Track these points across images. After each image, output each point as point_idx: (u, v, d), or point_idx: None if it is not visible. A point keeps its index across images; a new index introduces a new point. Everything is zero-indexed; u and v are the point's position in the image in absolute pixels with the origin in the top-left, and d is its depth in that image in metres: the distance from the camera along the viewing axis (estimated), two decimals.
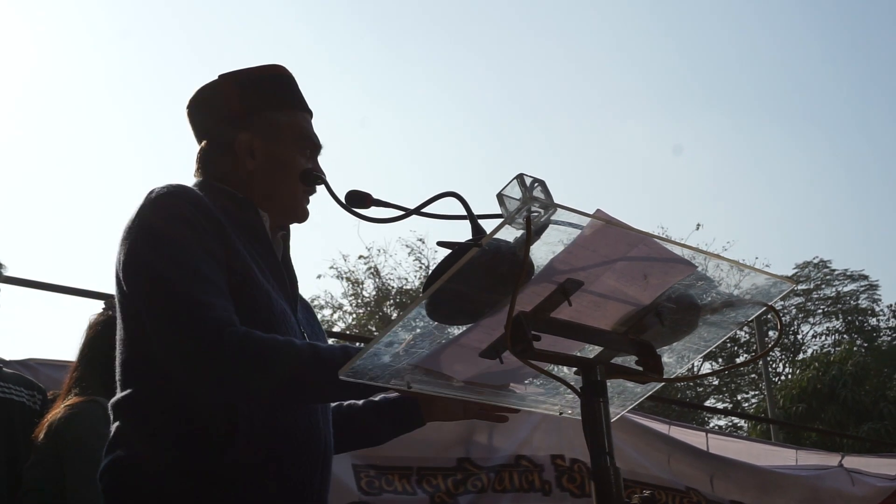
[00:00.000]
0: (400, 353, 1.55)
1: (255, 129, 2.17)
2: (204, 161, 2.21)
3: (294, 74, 2.29)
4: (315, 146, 2.25)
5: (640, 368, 1.61)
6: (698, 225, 31.67)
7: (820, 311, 31.18)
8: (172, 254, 1.90)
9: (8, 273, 3.61)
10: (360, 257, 27.90)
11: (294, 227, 2.27)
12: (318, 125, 2.29)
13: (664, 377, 1.63)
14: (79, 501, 3.08)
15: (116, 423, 1.97)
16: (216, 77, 2.24)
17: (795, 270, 30.76)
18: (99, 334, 3.35)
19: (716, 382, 30.16)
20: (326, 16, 44.33)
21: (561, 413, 1.81)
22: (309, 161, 2.21)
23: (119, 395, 1.99)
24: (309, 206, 2.21)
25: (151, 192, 1.99)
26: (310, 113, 2.28)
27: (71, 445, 3.14)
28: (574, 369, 1.60)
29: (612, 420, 1.60)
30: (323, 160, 2.26)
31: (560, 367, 1.65)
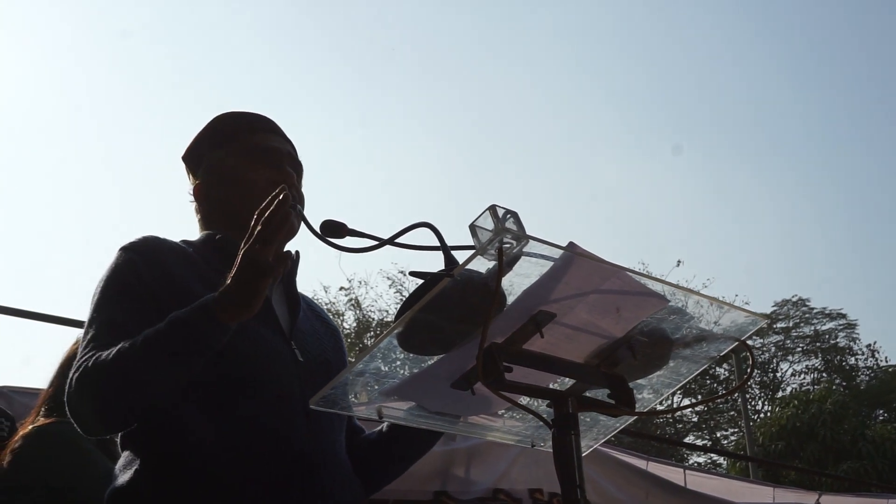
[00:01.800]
0: (371, 382, 1.55)
1: (204, 172, 2.27)
2: (197, 217, 2.29)
3: (253, 111, 2.33)
4: (264, 151, 2.24)
5: (613, 402, 1.61)
6: (679, 262, 31.72)
7: (799, 349, 31.30)
8: (96, 304, 2.00)
9: None
10: (342, 289, 27.91)
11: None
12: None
13: (636, 410, 1.63)
14: None
15: (124, 452, 2.01)
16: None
17: (774, 308, 30.91)
18: (73, 356, 3.32)
19: (695, 419, 30.18)
20: (302, 43, 44.38)
21: (533, 445, 1.80)
22: (273, 170, 2.20)
23: None
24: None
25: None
26: (264, 131, 2.29)
27: (25, 469, 3.12)
28: (546, 402, 1.60)
29: (585, 453, 1.60)
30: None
31: (533, 399, 1.65)
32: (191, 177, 2.32)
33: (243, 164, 2.21)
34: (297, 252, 2.27)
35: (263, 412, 1.94)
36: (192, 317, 1.80)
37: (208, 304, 1.79)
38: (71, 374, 1.86)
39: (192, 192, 2.29)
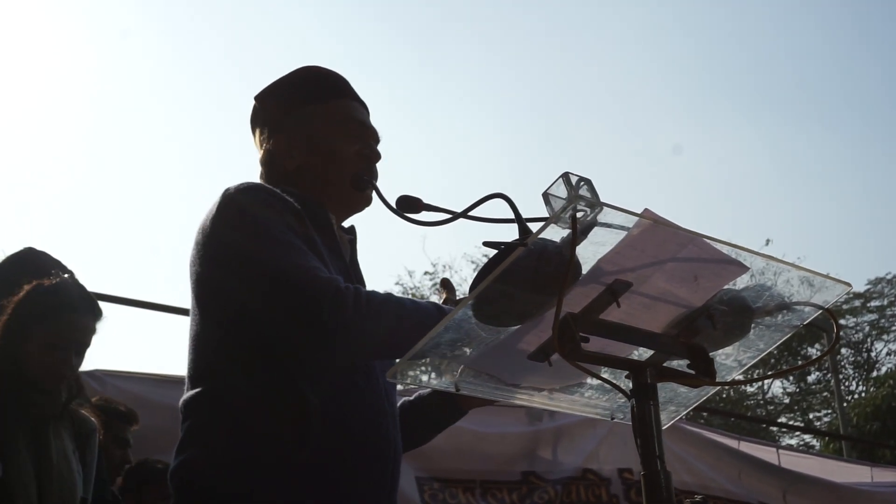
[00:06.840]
0: (447, 354, 1.54)
1: (290, 128, 2.22)
2: (265, 170, 2.24)
3: (334, 70, 2.31)
4: (359, 125, 2.23)
5: (692, 372, 1.58)
6: (768, 240, 31.08)
7: (894, 328, 30.52)
8: (265, 234, 1.92)
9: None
10: (426, 273, 27.93)
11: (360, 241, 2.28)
12: None
13: (717, 381, 1.61)
14: None
15: (187, 422, 1.97)
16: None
17: (868, 286, 30.11)
18: None
19: (786, 401, 29.66)
20: (350, 18, 44.03)
21: (612, 418, 1.79)
22: (363, 145, 2.20)
23: (190, 393, 1.98)
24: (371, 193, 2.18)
25: (228, 190, 2.02)
26: (352, 99, 2.28)
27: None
28: (625, 373, 1.58)
29: (665, 426, 1.58)
30: None
31: (611, 370, 1.63)
32: (263, 121, 2.28)
33: (334, 132, 2.20)
34: (351, 227, 2.26)
35: (349, 390, 1.96)
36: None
37: None
38: (339, 292, 1.84)
39: (266, 140, 2.24)
